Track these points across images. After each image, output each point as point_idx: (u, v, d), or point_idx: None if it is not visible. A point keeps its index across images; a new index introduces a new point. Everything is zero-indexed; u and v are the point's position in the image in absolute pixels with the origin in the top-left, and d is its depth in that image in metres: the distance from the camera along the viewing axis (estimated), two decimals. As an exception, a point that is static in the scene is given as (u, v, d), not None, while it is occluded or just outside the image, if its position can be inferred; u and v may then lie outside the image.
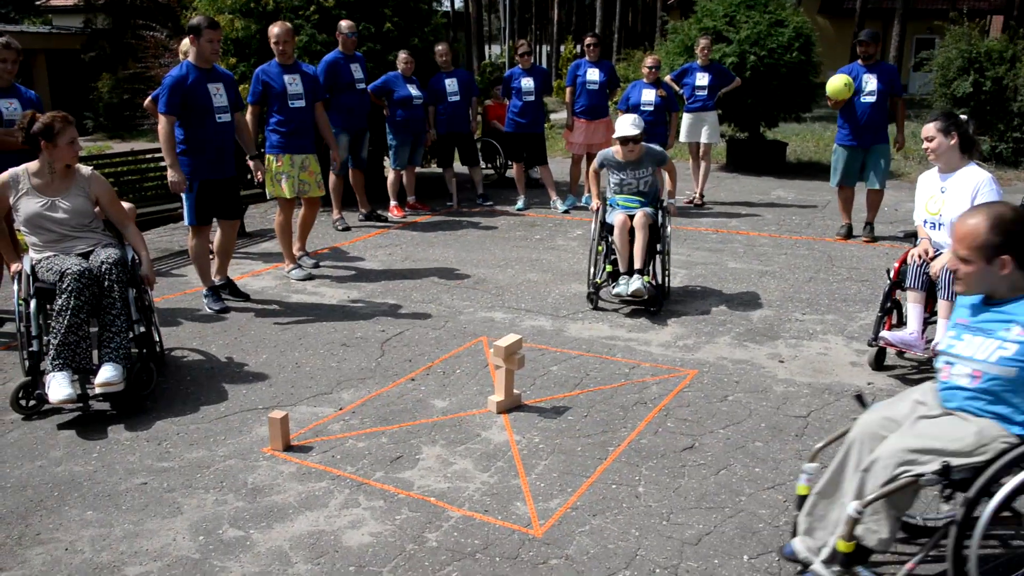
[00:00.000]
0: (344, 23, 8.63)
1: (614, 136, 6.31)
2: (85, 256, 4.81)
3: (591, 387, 4.81)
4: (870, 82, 8.03)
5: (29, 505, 3.64)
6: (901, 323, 5.12)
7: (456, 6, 49.20)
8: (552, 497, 3.63)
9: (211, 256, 6.44)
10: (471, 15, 45.72)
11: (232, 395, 4.77)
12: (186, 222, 6.25)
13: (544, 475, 3.82)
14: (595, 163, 6.60)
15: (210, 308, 6.21)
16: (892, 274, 5.06)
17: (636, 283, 5.95)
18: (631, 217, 6.15)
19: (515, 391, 4.56)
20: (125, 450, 4.14)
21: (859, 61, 8.16)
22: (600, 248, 6.37)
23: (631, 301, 6.19)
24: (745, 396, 4.67)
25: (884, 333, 4.89)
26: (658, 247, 6.29)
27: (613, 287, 6.14)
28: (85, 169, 5.11)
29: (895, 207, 9.93)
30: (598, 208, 6.45)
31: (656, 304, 6.14)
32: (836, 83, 7.91)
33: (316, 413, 4.52)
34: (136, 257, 4.97)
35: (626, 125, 6.21)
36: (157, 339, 5.13)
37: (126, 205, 7.16)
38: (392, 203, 9.68)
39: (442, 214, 9.91)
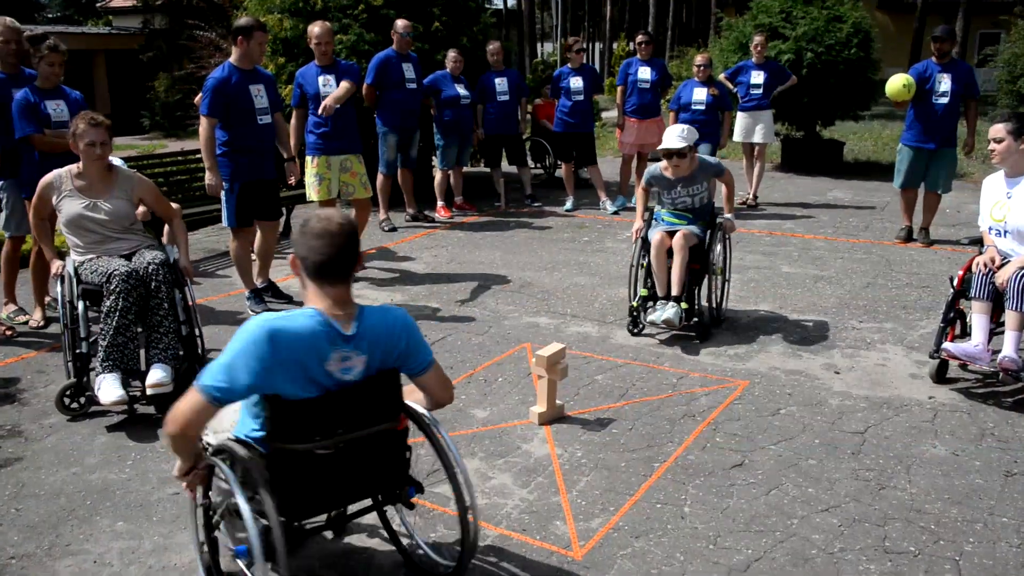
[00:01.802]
0: (400, 22, 8.55)
1: (659, 149, 5.69)
2: (127, 258, 4.80)
3: (637, 398, 4.65)
4: (943, 82, 7.68)
5: (61, 514, 3.60)
6: (965, 334, 4.87)
7: (509, 4, 49.14)
8: (593, 516, 3.48)
9: (252, 258, 6.40)
10: (524, 13, 45.62)
11: (270, 401, 4.70)
12: (225, 224, 6.22)
13: (586, 492, 3.67)
14: (643, 180, 5.89)
15: (252, 311, 6.17)
16: (956, 283, 4.81)
17: (669, 311, 5.37)
18: (670, 235, 5.53)
19: (558, 402, 4.42)
20: (160, 457, 4.08)
21: (933, 59, 7.82)
22: (642, 265, 5.72)
23: (668, 329, 5.66)
24: (798, 410, 4.47)
25: (947, 345, 4.65)
26: (710, 268, 5.66)
27: (648, 312, 5.59)
28: (127, 170, 5.10)
29: (956, 209, 9.57)
30: (640, 229, 5.73)
31: (702, 335, 5.58)
32: (895, 84, 7.54)
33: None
34: (182, 264, 4.95)
35: (671, 137, 5.57)
36: (199, 340, 5.10)
37: (172, 205, 7.25)
38: (439, 203, 9.59)
39: (489, 215, 9.80)
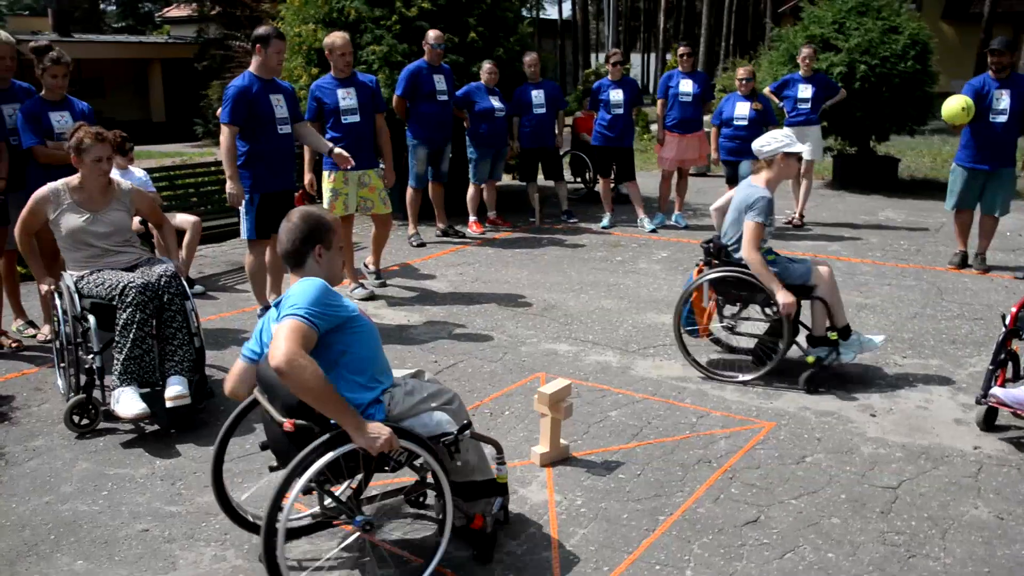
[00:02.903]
0: (432, 33, 8.33)
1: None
2: (130, 271, 4.66)
3: (651, 438, 4.30)
4: (1002, 99, 7.15)
5: (22, 548, 3.40)
6: (1019, 377, 4.43)
7: (565, 14, 48.95)
8: (584, 577, 3.16)
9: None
10: (578, 23, 45.37)
11: (260, 430, 4.45)
12: (244, 236, 6.03)
13: (580, 547, 3.35)
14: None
15: None
16: (1008, 321, 4.37)
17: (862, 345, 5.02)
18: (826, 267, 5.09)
19: (563, 441, 4.10)
20: (137, 489, 3.87)
21: (990, 73, 7.31)
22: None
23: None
24: (826, 457, 4.08)
25: (995, 390, 4.21)
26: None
27: (844, 351, 4.99)
28: (125, 184, 4.97)
29: (1019, 232, 9.01)
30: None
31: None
32: (953, 107, 6.98)
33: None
34: (175, 265, 4.85)
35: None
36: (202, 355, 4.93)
37: (191, 218, 7.11)
38: (471, 218, 9.32)
39: (523, 230, 9.50)
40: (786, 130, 5.32)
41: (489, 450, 3.42)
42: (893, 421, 4.50)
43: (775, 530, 3.46)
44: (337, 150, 6.14)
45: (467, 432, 3.07)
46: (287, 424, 2.85)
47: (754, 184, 5.04)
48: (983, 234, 7.58)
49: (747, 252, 4.85)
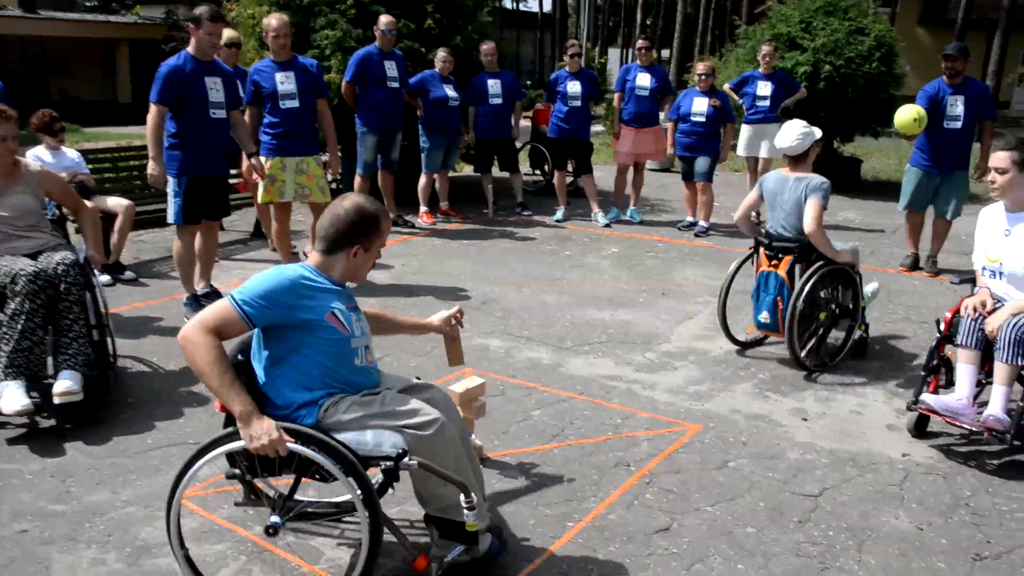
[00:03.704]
0: (383, 18, 8.11)
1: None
2: (33, 257, 4.41)
3: (571, 439, 4.14)
4: (955, 105, 7.04)
5: None
6: (951, 384, 4.30)
7: (545, 8, 48.72)
8: (478, 587, 2.99)
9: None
10: (556, 17, 45.25)
11: (166, 425, 4.25)
12: (171, 220, 5.81)
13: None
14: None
15: (188, 318, 5.74)
16: (943, 326, 4.24)
17: None
18: None
19: (477, 442, 3.92)
20: (24, 486, 3.65)
21: (944, 78, 7.18)
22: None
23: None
24: (750, 463, 3.94)
25: (926, 397, 4.08)
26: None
27: None
28: (34, 165, 4.73)
29: (972, 236, 8.88)
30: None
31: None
32: (905, 117, 6.79)
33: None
34: (88, 254, 4.61)
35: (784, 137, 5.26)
36: (112, 345, 4.69)
37: (124, 202, 6.86)
38: (422, 208, 9.12)
39: (475, 222, 9.31)
40: (796, 121, 5.33)
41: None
42: (824, 426, 4.37)
43: (686, 539, 3.30)
44: (253, 161, 6.04)
45: (409, 461, 2.70)
46: (215, 404, 2.80)
47: (795, 175, 5.17)
48: (935, 236, 7.49)
49: (814, 230, 4.94)
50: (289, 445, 2.65)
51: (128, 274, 6.81)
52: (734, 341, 5.42)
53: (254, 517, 3.39)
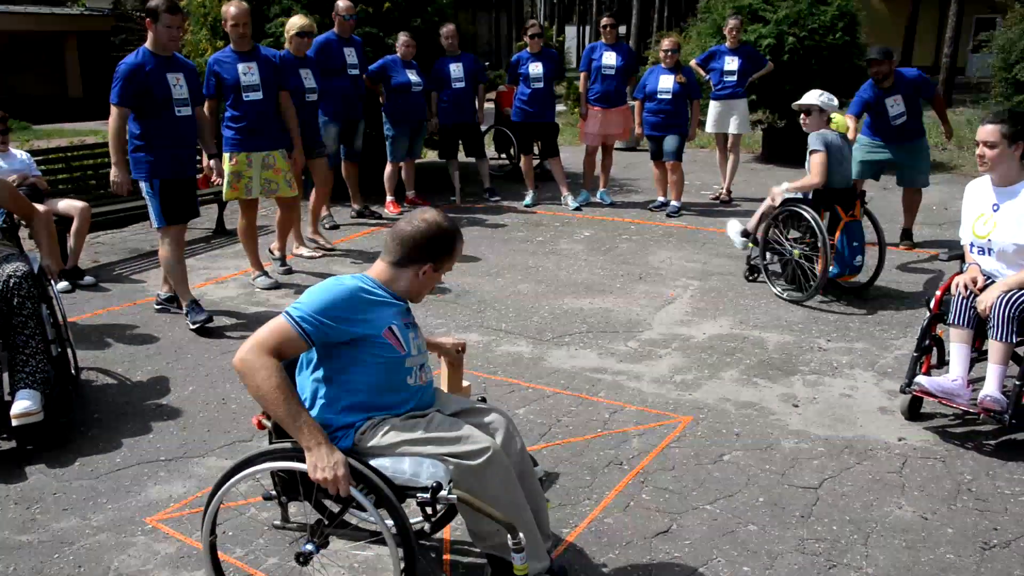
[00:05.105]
0: (342, 4, 7.86)
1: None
2: None
3: (560, 438, 4.00)
4: (895, 105, 6.93)
5: None
6: (943, 363, 4.22)
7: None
8: (475, 606, 2.85)
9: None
10: (511, -4, 44.75)
11: (135, 441, 4.05)
12: (155, 225, 5.53)
13: (472, 571, 3.03)
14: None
15: (194, 322, 5.47)
16: (933, 305, 4.15)
17: None
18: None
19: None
20: (-21, 514, 3.44)
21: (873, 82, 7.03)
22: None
23: None
24: (745, 456, 3.83)
25: (920, 378, 3.99)
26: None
27: None
28: (-20, 170, 4.46)
29: (944, 206, 8.91)
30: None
31: None
32: (840, 125, 6.76)
33: (224, 468, 3.77)
34: (44, 263, 4.33)
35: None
36: (72, 358, 4.46)
37: (79, 204, 6.59)
38: (388, 198, 8.91)
39: (443, 210, 9.09)
40: (815, 92, 5.98)
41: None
42: (816, 411, 4.28)
43: (687, 541, 3.18)
44: (212, 163, 5.86)
45: (448, 495, 2.47)
46: (254, 420, 2.70)
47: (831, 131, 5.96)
48: (908, 209, 7.43)
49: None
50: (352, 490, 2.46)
51: (87, 279, 6.53)
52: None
53: (233, 539, 3.22)
